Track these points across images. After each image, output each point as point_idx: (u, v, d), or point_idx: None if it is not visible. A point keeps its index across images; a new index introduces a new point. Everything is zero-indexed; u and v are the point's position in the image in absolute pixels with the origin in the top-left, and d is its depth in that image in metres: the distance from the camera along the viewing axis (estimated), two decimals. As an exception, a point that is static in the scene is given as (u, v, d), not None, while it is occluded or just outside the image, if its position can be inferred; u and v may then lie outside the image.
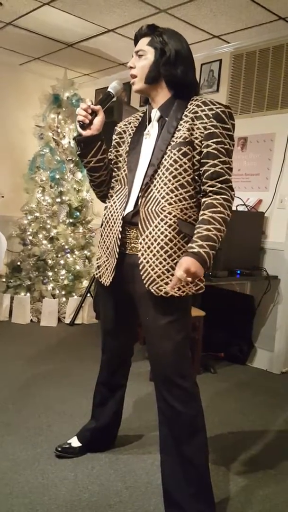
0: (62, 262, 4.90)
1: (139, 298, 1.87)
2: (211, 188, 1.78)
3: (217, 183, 1.77)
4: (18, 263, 4.95)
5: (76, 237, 5.02)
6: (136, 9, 3.72)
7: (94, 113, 1.88)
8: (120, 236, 1.87)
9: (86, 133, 1.88)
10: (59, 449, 2.26)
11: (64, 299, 4.89)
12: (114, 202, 1.96)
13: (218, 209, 1.75)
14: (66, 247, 4.93)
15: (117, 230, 1.89)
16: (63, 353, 3.90)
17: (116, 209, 1.93)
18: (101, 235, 2.02)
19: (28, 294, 4.78)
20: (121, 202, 1.92)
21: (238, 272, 3.61)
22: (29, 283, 4.82)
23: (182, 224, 1.79)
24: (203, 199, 1.80)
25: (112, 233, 1.92)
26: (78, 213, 5.04)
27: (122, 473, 2.18)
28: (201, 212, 1.76)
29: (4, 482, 2.02)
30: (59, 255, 4.92)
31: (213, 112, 1.78)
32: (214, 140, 1.77)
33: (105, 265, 1.97)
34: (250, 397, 3.27)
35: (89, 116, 1.86)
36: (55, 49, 4.81)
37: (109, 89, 1.92)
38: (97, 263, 2.06)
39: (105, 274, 1.97)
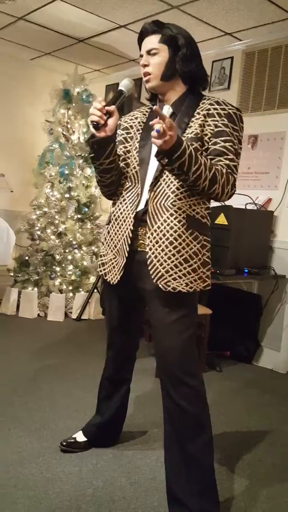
0: (69, 257, 4.92)
1: (148, 295, 1.86)
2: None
3: (224, 170, 1.73)
4: (26, 258, 4.97)
5: (84, 233, 5.03)
6: (148, 5, 3.71)
7: (108, 114, 1.79)
8: (131, 234, 1.85)
9: (100, 134, 1.79)
10: (64, 443, 2.27)
11: (71, 294, 4.90)
12: (124, 200, 1.93)
13: (218, 167, 1.70)
14: (74, 242, 4.94)
15: (127, 228, 1.87)
16: (69, 348, 3.92)
17: (127, 206, 1.90)
18: (108, 232, 2.00)
19: (36, 289, 4.80)
20: (132, 199, 1.90)
21: (246, 270, 3.60)
22: (36, 277, 4.84)
23: (191, 220, 1.79)
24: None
25: (121, 231, 1.90)
26: (86, 209, 5.04)
27: (127, 469, 2.18)
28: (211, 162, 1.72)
29: (9, 475, 2.03)
30: (67, 251, 4.93)
31: (226, 112, 1.80)
32: (223, 138, 1.77)
33: (112, 263, 1.96)
34: (255, 396, 3.27)
35: (104, 116, 1.77)
36: (66, 44, 4.81)
37: (120, 87, 1.86)
38: (102, 260, 2.03)
39: (111, 272, 1.95)
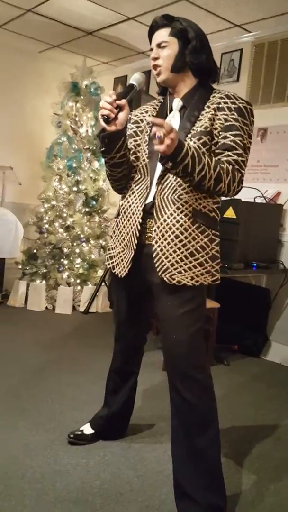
0: (77, 250, 4.92)
1: (155, 288, 1.86)
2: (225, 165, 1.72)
3: (231, 167, 1.72)
4: (34, 251, 4.98)
5: (92, 226, 5.03)
6: (157, -3, 3.68)
7: (118, 108, 1.77)
8: (139, 227, 1.85)
9: (110, 128, 1.78)
10: (72, 436, 2.28)
11: (79, 287, 4.91)
12: (133, 192, 1.93)
13: (223, 166, 1.68)
14: (82, 236, 4.94)
15: (136, 221, 1.86)
16: (77, 340, 3.93)
17: (136, 199, 1.90)
18: (117, 225, 2.00)
19: (44, 282, 4.81)
20: (141, 192, 1.89)
21: (254, 264, 3.58)
22: (44, 270, 4.85)
23: (197, 214, 1.78)
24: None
25: (130, 223, 1.89)
26: (94, 202, 5.04)
27: (134, 461, 2.19)
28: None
29: (16, 466, 2.04)
30: (75, 244, 4.94)
31: (236, 106, 1.78)
32: (233, 132, 1.76)
33: (120, 256, 1.95)
34: (263, 390, 3.26)
35: (114, 110, 1.75)
36: (74, 36, 4.79)
37: (131, 81, 1.84)
38: (110, 253, 2.03)
39: (119, 265, 1.95)
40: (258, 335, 3.95)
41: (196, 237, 1.78)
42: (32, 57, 5.46)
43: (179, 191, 1.78)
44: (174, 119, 1.87)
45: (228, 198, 1.93)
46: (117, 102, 1.76)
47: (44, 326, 4.26)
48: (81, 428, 2.32)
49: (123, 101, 1.77)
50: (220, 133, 1.77)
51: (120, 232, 1.96)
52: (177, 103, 1.88)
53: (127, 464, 2.16)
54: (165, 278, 1.77)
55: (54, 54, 5.42)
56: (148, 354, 2.26)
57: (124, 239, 1.93)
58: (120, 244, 1.96)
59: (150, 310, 2.14)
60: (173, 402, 1.86)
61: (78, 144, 5.00)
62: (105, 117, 1.75)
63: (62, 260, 4.89)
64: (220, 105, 1.79)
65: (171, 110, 1.90)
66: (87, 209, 5.00)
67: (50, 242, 4.91)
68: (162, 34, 1.84)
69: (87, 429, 2.32)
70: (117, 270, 1.97)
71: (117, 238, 1.99)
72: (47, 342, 3.78)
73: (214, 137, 1.78)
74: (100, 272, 5.03)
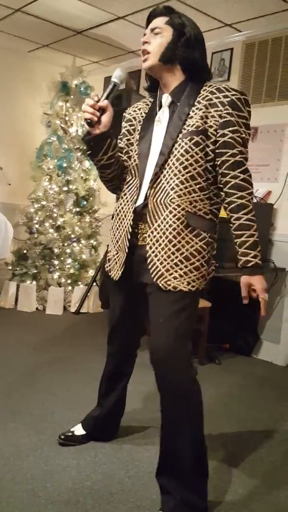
0: (68, 251, 4.90)
1: (150, 289, 1.82)
2: (234, 181, 1.71)
3: (239, 174, 1.72)
4: (25, 251, 4.95)
5: (82, 226, 5.01)
6: (147, -4, 3.67)
7: (101, 110, 1.78)
8: (130, 230, 1.83)
9: (95, 131, 1.79)
10: (62, 437, 2.26)
11: (70, 287, 4.89)
12: (125, 194, 1.91)
13: (250, 207, 1.72)
14: (73, 236, 4.92)
15: (127, 223, 1.85)
16: (68, 341, 3.91)
17: (127, 201, 1.88)
18: (112, 228, 1.98)
19: (34, 282, 4.79)
20: (131, 194, 1.87)
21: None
22: (35, 271, 4.82)
23: (190, 217, 1.75)
24: (228, 198, 1.73)
25: (122, 226, 1.88)
26: (85, 202, 5.01)
27: (125, 461, 2.17)
28: (236, 216, 1.72)
29: (7, 468, 2.02)
30: (66, 244, 4.91)
31: (229, 99, 1.73)
32: (230, 128, 1.71)
33: (115, 259, 1.94)
34: (254, 389, 3.26)
35: (97, 113, 1.76)
36: (64, 36, 4.77)
37: (112, 79, 1.82)
38: (108, 256, 2.03)
39: (114, 268, 1.94)
40: (249, 334, 3.96)
41: (190, 241, 1.75)
42: (22, 56, 5.43)
43: (171, 195, 1.74)
44: (163, 115, 1.84)
45: None
46: (99, 104, 1.76)
47: (34, 327, 4.23)
48: (72, 429, 2.31)
49: (104, 103, 1.77)
50: (218, 131, 1.73)
51: (114, 235, 1.95)
52: (165, 98, 1.84)
53: (119, 464, 2.15)
54: (160, 284, 1.74)
55: (43, 53, 5.39)
56: (140, 355, 2.24)
57: (117, 241, 1.92)
58: (114, 246, 1.95)
59: (144, 314, 2.08)
60: (160, 402, 1.84)
61: (68, 143, 4.97)
62: (88, 121, 1.76)
63: (52, 260, 4.87)
64: (212, 101, 1.74)
65: (160, 106, 1.87)
66: (77, 209, 4.97)
67: (40, 242, 4.88)
68: (159, 21, 1.81)
69: (78, 430, 2.30)
70: (112, 273, 1.95)
71: (112, 241, 1.97)
72: (38, 343, 3.75)
73: (211, 136, 1.73)
74: (91, 272, 5.01)
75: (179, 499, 1.76)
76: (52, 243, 4.86)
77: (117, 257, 1.92)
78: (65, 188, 4.91)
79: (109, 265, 1.99)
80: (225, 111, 1.72)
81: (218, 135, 1.73)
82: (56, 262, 4.86)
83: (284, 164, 3.88)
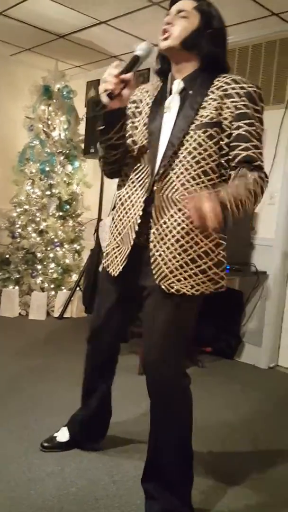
0: (51, 255, 4.88)
1: (149, 291, 1.72)
2: (244, 167, 1.61)
3: (251, 166, 1.62)
4: (7, 256, 4.91)
5: (65, 231, 5.00)
6: (129, 1, 3.67)
7: (124, 83, 1.60)
8: (139, 220, 1.68)
9: (113, 104, 1.61)
10: (45, 444, 2.22)
11: (53, 292, 4.87)
12: (133, 182, 1.74)
13: (250, 181, 1.56)
14: (56, 240, 4.90)
15: (135, 213, 1.69)
16: (51, 347, 3.89)
17: (136, 189, 1.72)
18: (112, 219, 1.85)
19: (17, 287, 4.76)
20: (142, 182, 1.71)
21: (228, 267, 3.60)
22: (17, 276, 4.79)
23: None
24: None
25: (128, 216, 1.73)
26: (68, 206, 5.01)
27: (109, 467, 2.17)
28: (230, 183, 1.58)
29: (-10, 476, 2.01)
30: (49, 248, 4.89)
31: (245, 91, 1.65)
32: (246, 121, 1.62)
33: (114, 253, 1.80)
34: (237, 392, 3.28)
35: (119, 85, 1.58)
36: (46, 40, 4.76)
37: (137, 51, 1.63)
38: (106, 250, 1.88)
39: (113, 263, 1.79)
40: (231, 337, 3.98)
41: (200, 241, 1.65)
42: (4, 60, 5.40)
43: (181, 190, 1.62)
44: (174, 102, 1.72)
45: None
46: (122, 76, 1.59)
47: (17, 332, 4.21)
48: (55, 434, 2.27)
49: (128, 75, 1.60)
50: (233, 123, 1.63)
51: (116, 226, 1.79)
52: (177, 84, 1.72)
53: (103, 470, 2.14)
54: (163, 286, 1.64)
55: (26, 57, 5.37)
56: (123, 358, 2.24)
57: (120, 233, 1.77)
58: (115, 239, 1.81)
59: (132, 318, 2.02)
60: (151, 406, 1.82)
61: (51, 147, 4.96)
62: (109, 92, 1.58)
63: (35, 265, 4.84)
64: (228, 92, 1.64)
65: (171, 92, 1.74)
66: (60, 213, 4.96)
67: (23, 247, 4.85)
68: (187, 4, 1.69)
69: (62, 435, 2.25)
70: (110, 269, 1.81)
71: (112, 233, 1.82)
72: (21, 349, 3.73)
73: (226, 128, 1.64)
74: (74, 277, 5.00)
75: (164, 505, 1.77)
76: (35, 248, 4.84)
77: (118, 250, 1.78)
78: (48, 192, 4.90)
79: (107, 260, 1.84)
80: (241, 102, 1.63)
81: (233, 128, 1.63)
82: (39, 266, 4.84)
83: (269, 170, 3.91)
